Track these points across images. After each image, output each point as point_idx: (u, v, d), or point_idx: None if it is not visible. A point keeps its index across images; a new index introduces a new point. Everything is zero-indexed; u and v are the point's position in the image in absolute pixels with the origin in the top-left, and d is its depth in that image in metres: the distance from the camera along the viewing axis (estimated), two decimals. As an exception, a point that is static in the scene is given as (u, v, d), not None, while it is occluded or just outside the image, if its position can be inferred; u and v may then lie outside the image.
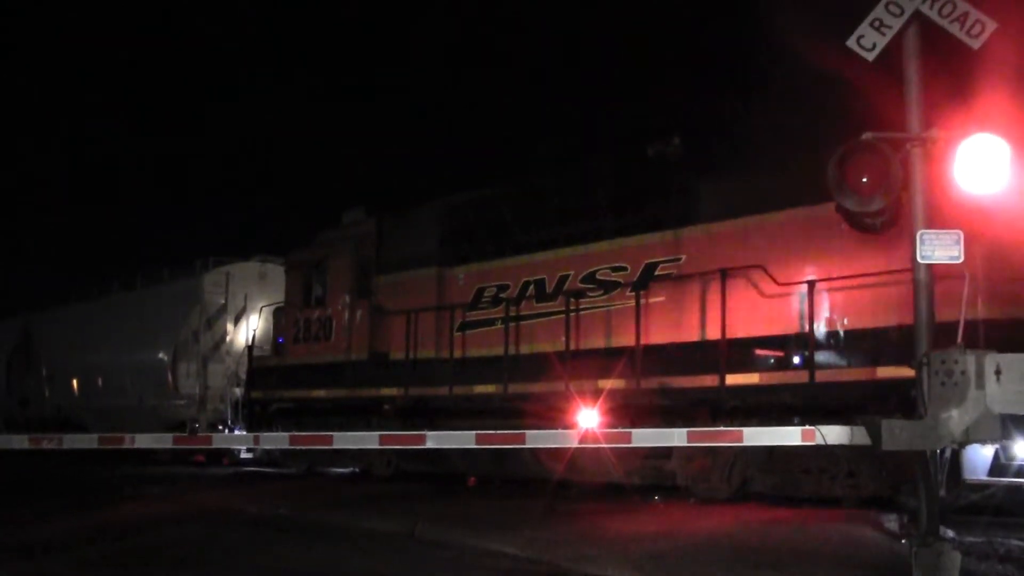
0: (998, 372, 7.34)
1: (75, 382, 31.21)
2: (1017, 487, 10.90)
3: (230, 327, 26.34)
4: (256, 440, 12.50)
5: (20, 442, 10.06)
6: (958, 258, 7.93)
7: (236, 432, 22.54)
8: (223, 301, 26.32)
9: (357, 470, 20.91)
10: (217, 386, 25.80)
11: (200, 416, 25.22)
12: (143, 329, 27.84)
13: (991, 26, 7.88)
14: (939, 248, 7.90)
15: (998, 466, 10.87)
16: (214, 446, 18.42)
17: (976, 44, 7.92)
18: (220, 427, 24.24)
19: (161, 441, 11.61)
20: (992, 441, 8.69)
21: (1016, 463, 10.66)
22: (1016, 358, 7.36)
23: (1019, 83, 9.82)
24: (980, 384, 7.38)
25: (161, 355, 26.79)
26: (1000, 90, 9.35)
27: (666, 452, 14.25)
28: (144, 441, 10.23)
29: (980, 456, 10.89)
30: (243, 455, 26.11)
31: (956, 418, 7.44)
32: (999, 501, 11.37)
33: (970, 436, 7.54)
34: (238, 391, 24.15)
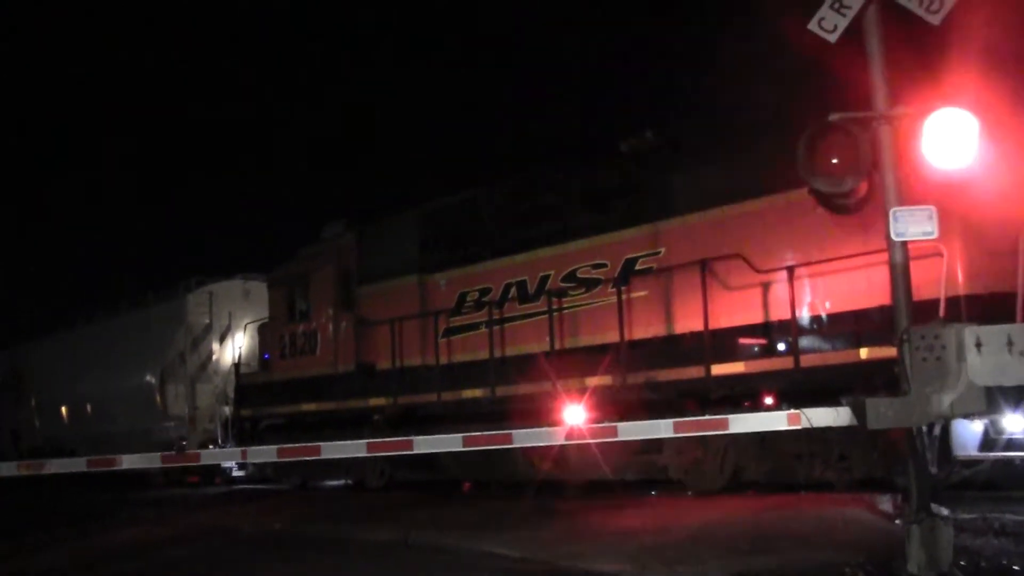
0: (979, 344, 7.36)
1: (64, 411, 31.10)
2: (1008, 461, 10.92)
3: (216, 346, 26.28)
4: (244, 454, 12.49)
5: (10, 468, 10.10)
6: (932, 233, 7.93)
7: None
8: (208, 321, 26.25)
9: (350, 482, 20.87)
10: (206, 406, 25.74)
11: (190, 436, 25.13)
12: (129, 353, 27.75)
13: (950, 2, 7.88)
14: (912, 224, 7.90)
15: (988, 441, 10.88)
16: (202, 462, 18.45)
17: (936, 20, 7.93)
18: (211, 446, 24.16)
19: (149, 461, 11.60)
20: (978, 415, 8.70)
21: (1005, 436, 10.67)
22: (996, 329, 7.38)
23: (986, 56, 9.86)
24: (961, 357, 7.39)
25: (148, 378, 26.70)
26: (967, 64, 9.38)
27: (657, 446, 14.25)
28: (133, 461, 10.26)
29: (970, 432, 10.90)
30: (235, 473, 26.06)
31: (940, 393, 7.45)
32: (990, 476, 11.41)
33: (955, 410, 7.56)
34: (227, 410, 24.10)
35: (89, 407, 29.71)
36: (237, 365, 23.25)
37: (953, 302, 10.71)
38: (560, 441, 9.85)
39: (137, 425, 26.46)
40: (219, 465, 25.16)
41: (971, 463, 10.99)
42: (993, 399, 9.11)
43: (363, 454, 10.80)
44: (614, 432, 9.54)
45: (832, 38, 8.13)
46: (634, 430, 9.72)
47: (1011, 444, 10.72)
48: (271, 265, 22.93)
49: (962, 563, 7.92)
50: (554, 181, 16.48)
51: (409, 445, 9.82)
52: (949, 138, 7.87)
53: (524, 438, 9.76)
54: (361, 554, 11.66)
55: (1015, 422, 10.53)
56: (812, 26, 8.19)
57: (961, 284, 11.01)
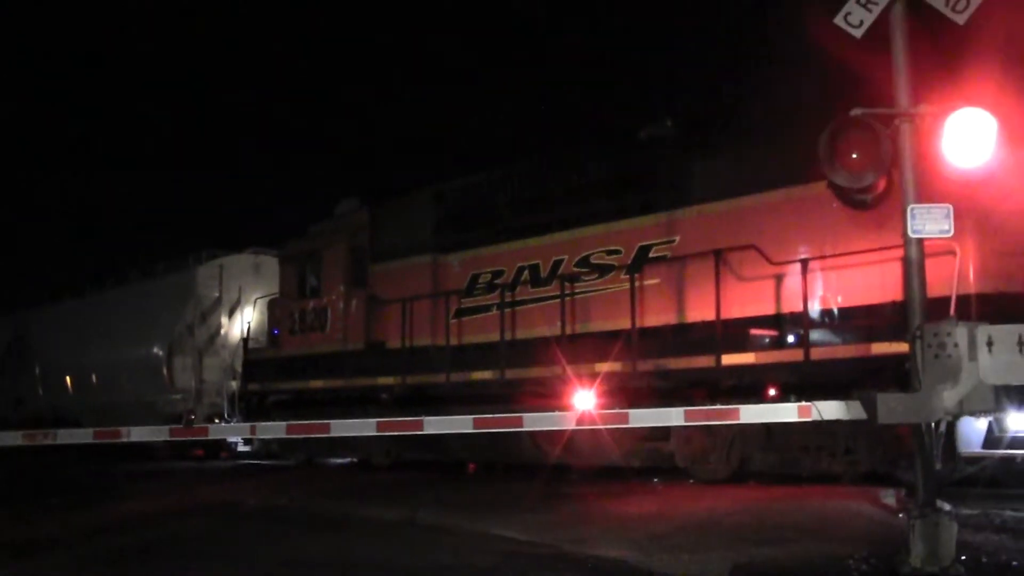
0: (990, 343, 7.41)
1: (69, 380, 31.04)
2: (1010, 459, 11.00)
3: (225, 320, 26.29)
4: (253, 430, 12.52)
5: (14, 438, 9.96)
6: (949, 232, 7.98)
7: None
8: (217, 294, 26.26)
9: (356, 460, 20.96)
10: (213, 380, 25.75)
11: (196, 408, 25.20)
12: (137, 324, 27.71)
13: (976, 1, 7.92)
14: (929, 222, 7.95)
15: (992, 439, 10.97)
16: (211, 437, 18.49)
17: (962, 20, 7.96)
18: (217, 420, 24.22)
19: (157, 434, 11.56)
20: (986, 413, 8.76)
21: (1009, 435, 10.77)
22: (1008, 329, 7.43)
23: (1006, 56, 9.91)
24: (973, 356, 7.44)
25: (156, 350, 26.70)
26: (987, 64, 9.43)
27: (664, 433, 14.33)
28: (140, 434, 10.19)
29: (974, 429, 11.00)
30: (241, 448, 26.14)
31: (950, 390, 7.51)
32: (993, 473, 11.49)
33: (964, 408, 7.61)
34: (234, 384, 24.13)
35: (95, 377, 29.70)
36: (246, 340, 23.31)
37: (964, 300, 10.79)
38: (571, 426, 9.92)
39: (143, 397, 26.49)
40: (225, 439, 25.23)
41: (975, 460, 11.09)
42: (1000, 398, 9.21)
43: (373, 433, 10.83)
44: (625, 419, 9.60)
45: (858, 33, 8.17)
46: (645, 417, 9.80)
47: (1014, 442, 10.82)
48: (283, 240, 22.98)
49: (963, 558, 7.99)
50: (571, 166, 16.51)
51: (419, 425, 9.86)
52: (969, 137, 7.91)
53: (535, 422, 9.83)
54: (367, 532, 11.72)
55: (1019, 421, 10.63)
56: (838, 20, 8.22)
57: (972, 283, 11.07)
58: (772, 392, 12.77)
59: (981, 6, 7.94)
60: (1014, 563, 8.20)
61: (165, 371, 26.33)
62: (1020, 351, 7.39)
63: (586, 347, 14.81)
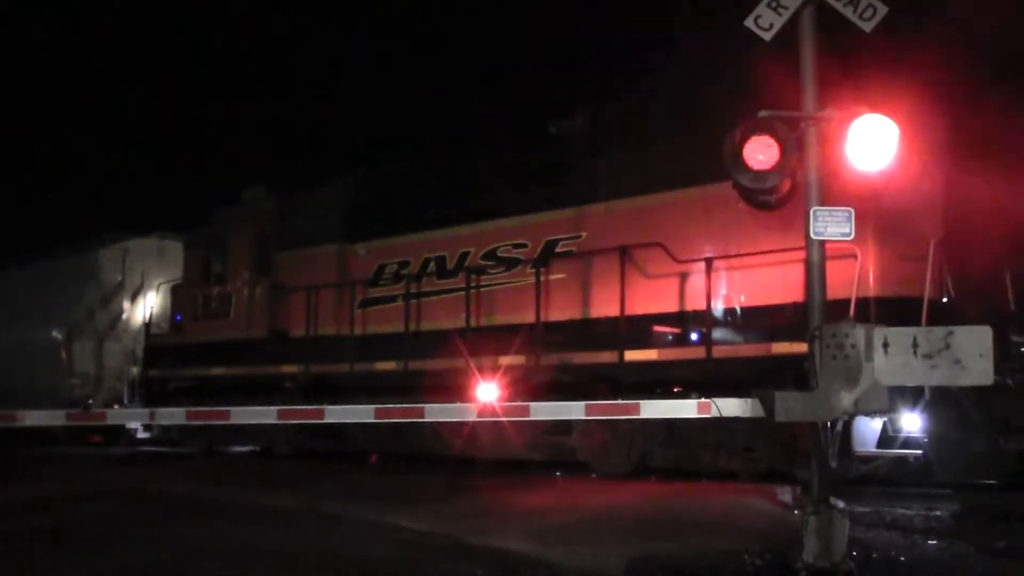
0: (886, 345, 7.55)
1: (-37, 362, 30.33)
2: (903, 458, 11.25)
3: (127, 305, 25.83)
4: (152, 415, 12.28)
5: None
6: (849, 235, 8.12)
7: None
8: (120, 278, 25.78)
9: (258, 449, 20.80)
10: (114, 365, 25.31)
11: (95, 394, 24.77)
12: (36, 307, 27.07)
13: (882, 10, 8.06)
14: (831, 225, 8.08)
15: (886, 438, 11.21)
16: (109, 422, 18.15)
17: (868, 27, 8.10)
18: (116, 406, 23.82)
19: (54, 418, 11.32)
20: (881, 413, 8.93)
21: (902, 435, 11.02)
22: (903, 331, 7.58)
23: (909, 66, 10.13)
24: (869, 357, 7.58)
25: (55, 334, 26.13)
26: (890, 70, 9.63)
27: (566, 427, 14.40)
28: (36, 418, 9.93)
29: (869, 429, 11.24)
30: (140, 435, 25.70)
31: (847, 390, 7.64)
32: (886, 472, 11.75)
33: (860, 407, 7.74)
34: (135, 370, 23.81)
35: (-10, 359, 29.03)
36: (148, 325, 23.00)
37: (864, 303, 11.01)
38: (472, 418, 9.93)
39: (41, 381, 25.90)
40: (124, 425, 24.82)
41: (869, 459, 11.32)
42: (894, 398, 9.42)
43: (274, 421, 10.77)
44: (526, 411, 9.63)
45: (767, 36, 8.26)
46: (546, 410, 9.82)
47: (907, 442, 11.08)
48: (188, 225, 22.70)
49: (854, 554, 8.17)
50: (480, 158, 16.55)
51: (320, 414, 9.81)
52: (872, 142, 8.05)
53: (436, 413, 9.81)
54: (267, 520, 11.62)
55: (912, 421, 10.88)
56: (748, 23, 8.31)
57: (872, 286, 11.29)
58: (675, 389, 12.90)
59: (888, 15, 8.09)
60: (902, 558, 8.44)
61: (64, 355, 25.80)
62: (914, 353, 7.53)
63: (490, 340, 14.84)
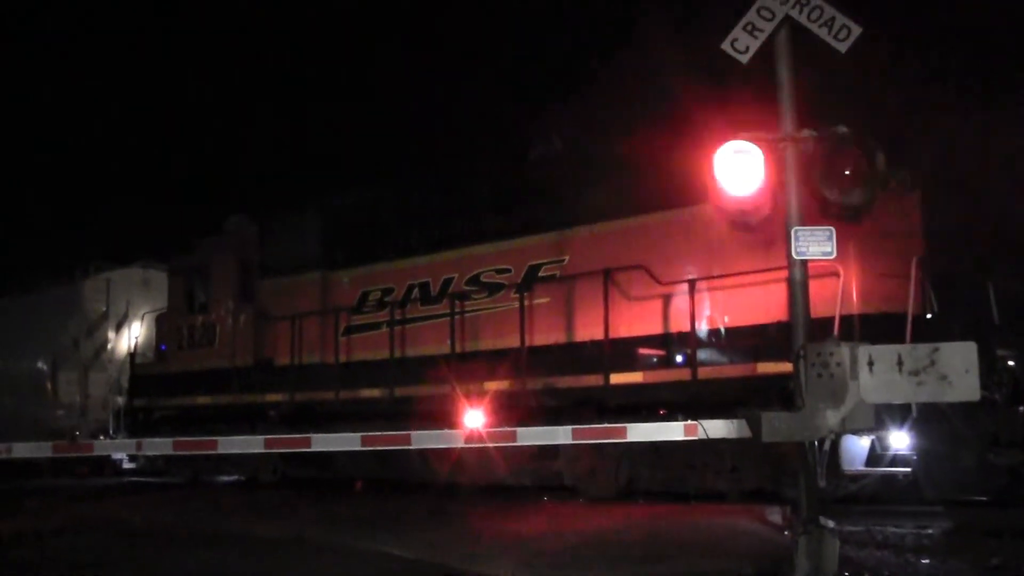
0: (871, 363, 7.55)
1: (-54, 393, 30.16)
2: (892, 476, 11.24)
3: (112, 334, 25.74)
4: (139, 446, 12.28)
5: None
6: (831, 254, 8.13)
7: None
8: (104, 308, 25.70)
9: (243, 478, 20.70)
10: (99, 395, 25.18)
11: (81, 424, 24.65)
12: (20, 337, 27.01)
13: (856, 31, 8.11)
14: (813, 244, 8.10)
15: (874, 456, 11.20)
16: (96, 453, 18.02)
17: (843, 48, 8.14)
18: (102, 437, 23.71)
19: (40, 450, 11.31)
20: (868, 431, 8.93)
21: (890, 452, 11.01)
22: (887, 349, 7.58)
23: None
24: (854, 375, 7.57)
25: (40, 364, 26.04)
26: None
27: (553, 452, 14.37)
28: (22, 450, 9.98)
29: (858, 447, 11.22)
30: (126, 465, 25.54)
31: (833, 409, 7.63)
32: (876, 490, 11.74)
33: (846, 426, 7.74)
34: (120, 400, 23.70)
35: (-26, 390, 28.90)
36: (133, 355, 22.89)
37: (847, 321, 11.03)
38: (459, 444, 9.91)
39: (25, 411, 25.77)
40: (110, 456, 24.70)
41: (858, 477, 11.31)
42: (881, 416, 9.41)
43: (260, 450, 10.78)
44: (513, 437, 9.64)
45: (744, 59, 8.30)
46: (533, 435, 9.83)
47: (895, 460, 11.07)
48: (172, 254, 22.65)
49: (846, 573, 8.16)
50: (461, 183, 16.54)
51: (307, 443, 9.81)
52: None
53: (423, 440, 9.82)
54: (254, 549, 11.54)
55: (900, 439, 10.88)
56: (725, 46, 8.34)
57: (855, 304, 11.31)
58: (660, 411, 12.89)
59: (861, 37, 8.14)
60: (893, 578, 8.42)
61: (49, 386, 25.71)
62: (900, 370, 7.53)
63: (476, 365, 14.82)
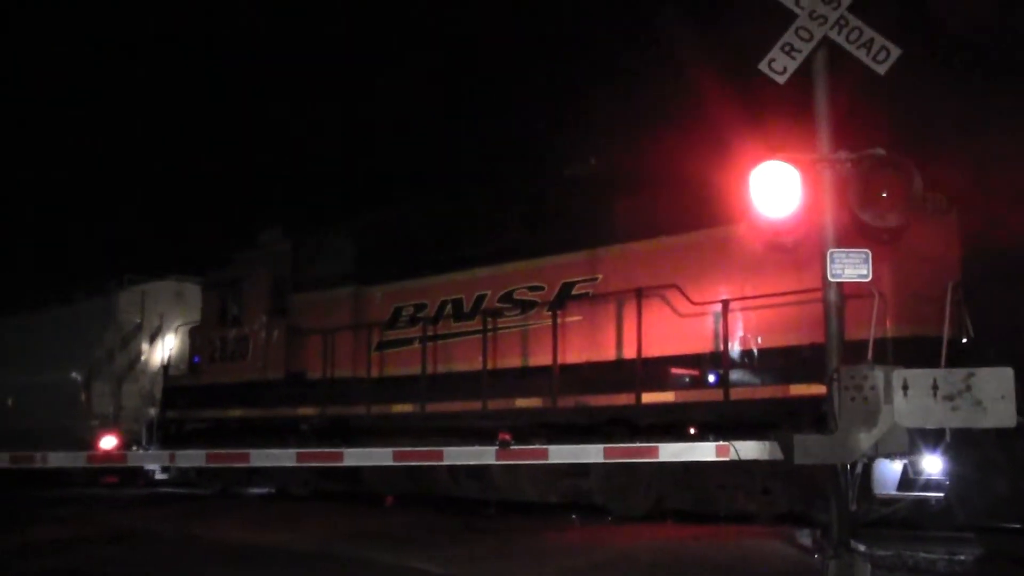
0: (905, 387, 7.52)
1: (-16, 404, 30.41)
2: (924, 501, 11.15)
3: (145, 346, 25.95)
4: (172, 457, 12.31)
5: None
6: (867, 276, 8.12)
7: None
8: (138, 320, 25.92)
9: (273, 491, 20.76)
10: (132, 406, 25.38)
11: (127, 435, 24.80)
12: (56, 349, 27.23)
13: (896, 52, 8.09)
14: (848, 266, 8.09)
15: (906, 481, 11.11)
16: (129, 463, 18.17)
17: (882, 70, 8.14)
18: (135, 448, 23.86)
19: (75, 460, 11.39)
20: (900, 455, 8.88)
21: (923, 477, 10.92)
22: (922, 373, 7.56)
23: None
24: (888, 399, 7.55)
25: (74, 375, 26.26)
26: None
27: (584, 470, 14.32)
28: (57, 460, 10.03)
29: (890, 471, 11.12)
30: (158, 476, 25.69)
31: (866, 432, 7.61)
32: (907, 514, 11.64)
33: (879, 450, 7.73)
34: (153, 411, 23.85)
35: (10, 401, 29.15)
36: (166, 367, 23.09)
37: (880, 343, 10.96)
38: (491, 460, 9.90)
39: (60, 422, 25.97)
40: (142, 467, 24.84)
41: (889, 501, 11.21)
42: (914, 440, 9.35)
43: (293, 463, 10.79)
44: (544, 454, 9.63)
45: (781, 80, 8.31)
46: (565, 453, 9.81)
47: (928, 485, 10.97)
48: (206, 268, 22.82)
49: (876, 599, 8.11)
50: (495, 201, 16.58)
51: (340, 457, 9.82)
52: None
53: (455, 456, 9.81)
54: (284, 563, 11.60)
55: (933, 464, 10.78)
56: (763, 67, 8.36)
57: (889, 327, 11.25)
58: (691, 431, 12.84)
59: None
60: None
61: (83, 397, 25.89)
62: (934, 395, 7.51)
63: (507, 382, 14.83)
